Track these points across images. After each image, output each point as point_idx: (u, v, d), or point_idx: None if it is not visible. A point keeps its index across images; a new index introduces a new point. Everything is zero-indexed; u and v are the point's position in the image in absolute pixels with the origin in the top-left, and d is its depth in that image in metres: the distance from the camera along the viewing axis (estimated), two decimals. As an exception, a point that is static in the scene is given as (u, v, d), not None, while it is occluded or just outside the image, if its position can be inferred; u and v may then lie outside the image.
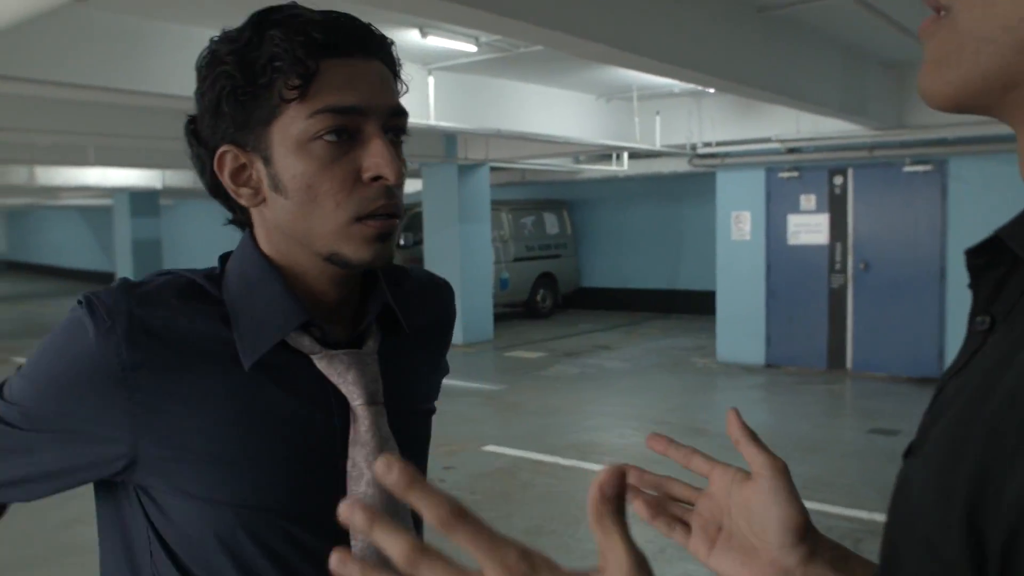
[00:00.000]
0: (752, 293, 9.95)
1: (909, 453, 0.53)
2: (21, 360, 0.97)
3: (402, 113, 0.93)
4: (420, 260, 11.96)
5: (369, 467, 0.93)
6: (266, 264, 0.94)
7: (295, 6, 0.90)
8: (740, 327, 10.06)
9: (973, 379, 0.49)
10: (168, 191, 16.36)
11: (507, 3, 3.79)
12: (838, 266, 9.46)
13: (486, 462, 6.13)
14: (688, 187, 13.94)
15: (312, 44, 0.86)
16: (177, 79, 5.00)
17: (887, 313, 9.13)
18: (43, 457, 0.89)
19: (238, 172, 0.92)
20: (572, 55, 5.34)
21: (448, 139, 10.93)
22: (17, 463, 0.90)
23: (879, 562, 0.54)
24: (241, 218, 0.98)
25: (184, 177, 14.35)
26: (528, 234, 14.39)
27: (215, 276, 0.96)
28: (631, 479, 0.79)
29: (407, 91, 0.97)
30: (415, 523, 0.95)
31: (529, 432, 7.03)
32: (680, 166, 11.24)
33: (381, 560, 0.48)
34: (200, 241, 20.11)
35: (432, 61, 7.42)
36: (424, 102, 7.49)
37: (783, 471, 0.70)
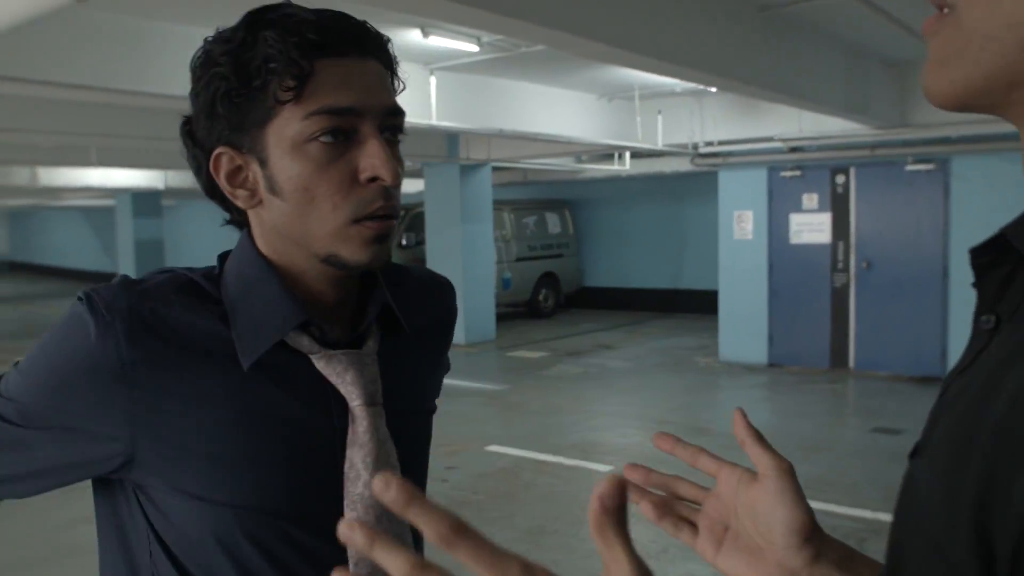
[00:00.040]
0: (754, 292, 9.95)
1: (915, 453, 0.53)
2: (23, 361, 0.97)
3: (399, 112, 0.92)
4: (422, 260, 11.96)
5: (366, 468, 0.92)
6: (264, 264, 0.93)
7: (289, 5, 0.89)
8: (742, 326, 10.05)
9: (978, 378, 0.48)
10: (170, 191, 16.38)
11: (509, 3, 3.79)
12: (840, 265, 9.45)
13: (489, 462, 6.13)
14: (690, 186, 13.93)
15: (306, 44, 0.85)
16: (179, 80, 4.98)
17: (889, 312, 9.12)
18: (39, 453, 0.89)
19: (234, 174, 0.91)
20: (574, 55, 5.33)
21: (450, 139, 10.93)
22: (12, 459, 0.89)
23: (885, 562, 0.54)
24: (238, 219, 0.98)
25: (186, 178, 14.35)
26: (530, 234, 14.39)
27: (214, 276, 0.95)
28: (638, 478, 0.79)
29: (404, 89, 0.96)
30: (412, 532, 0.95)
31: (532, 432, 7.03)
32: (682, 165, 11.23)
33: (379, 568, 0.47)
34: (202, 241, 20.11)
35: (434, 61, 7.42)
36: (426, 102, 7.49)
37: (789, 472, 0.70)
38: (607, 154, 11.94)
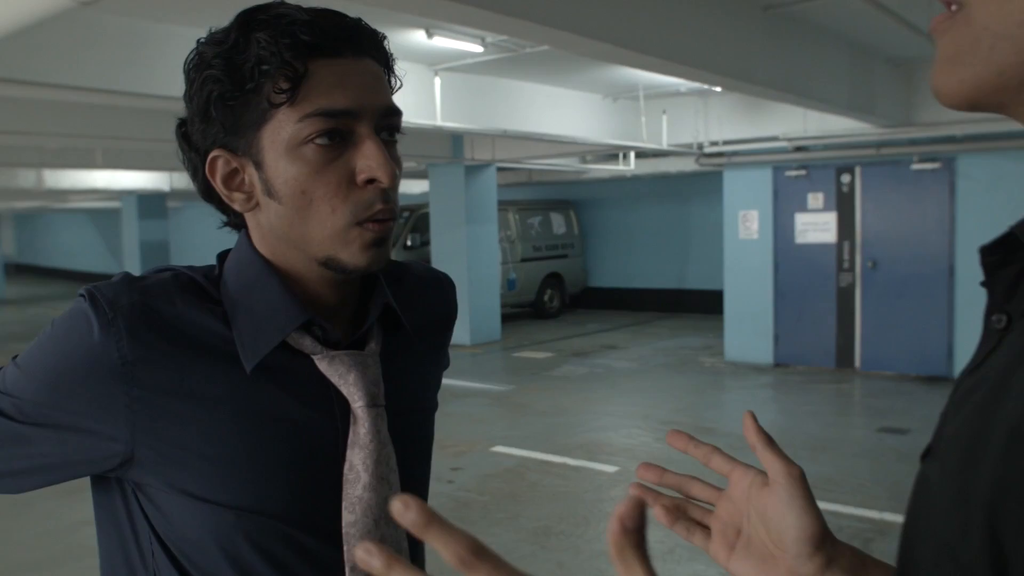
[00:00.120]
0: (760, 292, 9.93)
1: (927, 455, 0.52)
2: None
3: (396, 112, 0.91)
4: (427, 261, 11.96)
5: (366, 470, 0.91)
6: (264, 265, 0.92)
7: (282, 4, 0.87)
8: (748, 326, 10.04)
9: (989, 378, 0.48)
10: (176, 193, 16.43)
11: (513, 3, 3.79)
12: (846, 265, 9.43)
13: (494, 463, 6.12)
14: (695, 186, 13.92)
15: (299, 45, 0.83)
16: (184, 82, 5.00)
17: (896, 311, 9.10)
18: (36, 450, 0.87)
19: (230, 177, 0.90)
20: (578, 55, 5.33)
21: (455, 139, 10.94)
22: (9, 454, 0.88)
23: (896, 565, 0.54)
24: (236, 221, 0.97)
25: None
26: (535, 234, 14.39)
27: (213, 276, 0.94)
28: (652, 478, 0.78)
29: (401, 86, 0.95)
30: (409, 535, 0.94)
31: (537, 432, 7.02)
32: (687, 165, 11.23)
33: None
34: (208, 243, 20.13)
35: (438, 62, 7.42)
36: (430, 103, 7.49)
37: (799, 479, 0.69)
38: (612, 154, 11.94)
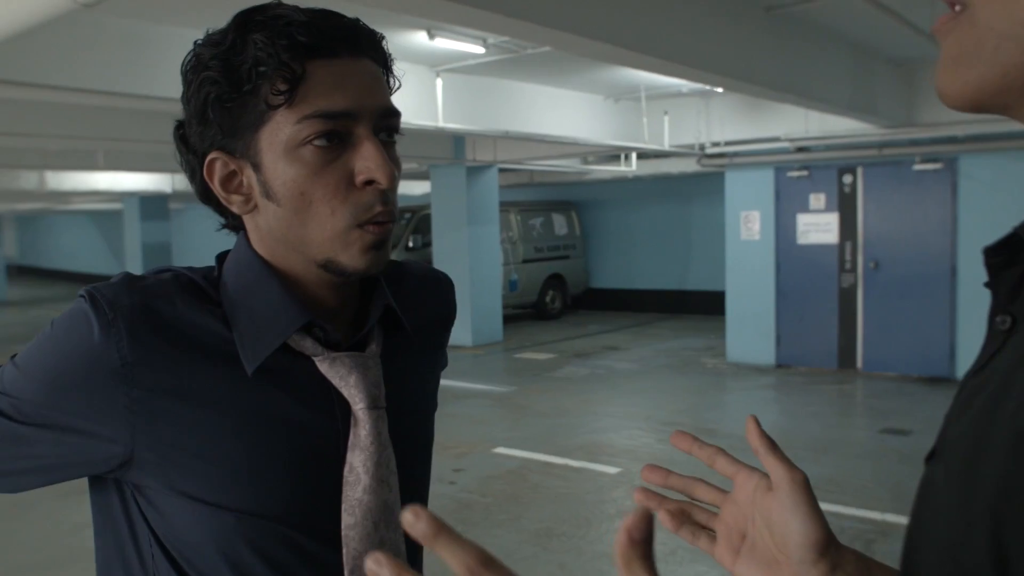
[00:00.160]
0: (762, 293, 9.93)
1: (931, 457, 0.52)
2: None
3: (394, 113, 0.90)
4: (429, 262, 11.96)
5: (366, 473, 0.91)
6: (263, 266, 0.92)
7: (279, 5, 0.87)
8: (750, 327, 10.03)
9: (993, 380, 0.48)
10: (178, 195, 16.43)
11: (515, 4, 3.79)
12: (848, 265, 9.42)
13: (496, 464, 6.12)
14: (697, 187, 13.91)
15: (297, 46, 0.83)
16: (186, 83, 5.00)
17: (898, 312, 9.09)
18: (33, 450, 0.86)
19: (228, 179, 0.90)
20: (580, 56, 5.33)
21: (456, 140, 10.94)
22: (7, 454, 0.87)
23: (900, 568, 0.53)
24: (234, 223, 0.96)
25: (193, 181, 14.36)
26: (537, 235, 14.39)
27: (212, 277, 0.94)
28: (658, 480, 0.78)
29: (400, 87, 0.94)
30: (407, 538, 0.94)
31: (539, 434, 7.02)
32: (689, 166, 11.22)
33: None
34: (209, 245, 20.10)
35: (440, 63, 7.42)
36: (432, 104, 7.49)
37: (803, 484, 0.68)
38: (613, 155, 11.93)
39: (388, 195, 0.88)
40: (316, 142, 0.85)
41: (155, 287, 0.88)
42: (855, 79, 7.25)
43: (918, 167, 8.85)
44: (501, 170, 12.37)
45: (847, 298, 9.44)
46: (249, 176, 0.89)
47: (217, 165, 0.89)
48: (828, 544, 0.67)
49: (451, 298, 1.15)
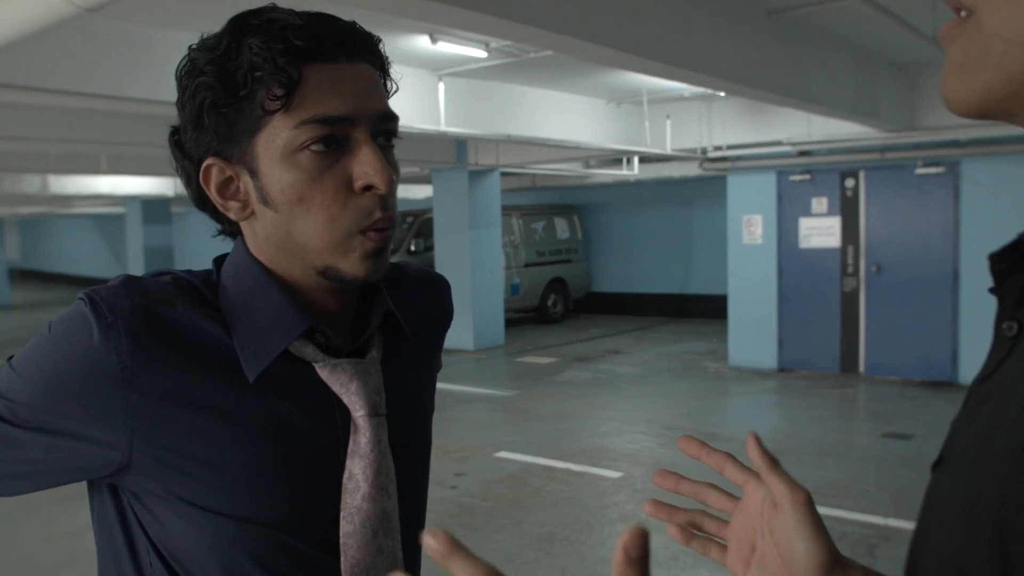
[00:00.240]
0: (764, 297, 9.92)
1: (938, 464, 0.52)
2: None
3: (392, 117, 0.89)
4: (431, 266, 11.97)
5: (366, 480, 0.90)
6: (262, 272, 0.91)
7: (275, 8, 0.85)
8: (752, 331, 10.02)
9: (1000, 387, 0.47)
10: (180, 199, 16.44)
11: (517, 8, 3.79)
12: (850, 269, 9.41)
13: (498, 468, 6.11)
14: (699, 191, 13.91)
15: (293, 51, 0.82)
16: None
17: (900, 316, 9.08)
18: (30, 454, 0.85)
19: (225, 185, 0.89)
20: (582, 59, 5.33)
21: (458, 145, 10.95)
22: (2, 458, 0.86)
23: (904, 574, 0.53)
24: (231, 229, 0.95)
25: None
26: (539, 239, 14.40)
27: (211, 282, 0.93)
28: (669, 486, 0.78)
29: (397, 90, 0.93)
30: (404, 539, 0.94)
31: (541, 438, 7.01)
32: (691, 170, 11.22)
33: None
34: (211, 249, 20.07)
35: (442, 67, 7.43)
36: (434, 108, 7.50)
37: (806, 504, 0.67)
38: (615, 159, 11.93)
39: (387, 200, 0.87)
40: (313, 147, 0.84)
41: (155, 290, 0.87)
42: (857, 83, 7.25)
43: (920, 171, 8.84)
44: (503, 174, 12.38)
45: (849, 302, 9.44)
46: (246, 182, 0.88)
47: (213, 171, 0.88)
48: (833, 564, 0.66)
49: (448, 299, 1.14)
